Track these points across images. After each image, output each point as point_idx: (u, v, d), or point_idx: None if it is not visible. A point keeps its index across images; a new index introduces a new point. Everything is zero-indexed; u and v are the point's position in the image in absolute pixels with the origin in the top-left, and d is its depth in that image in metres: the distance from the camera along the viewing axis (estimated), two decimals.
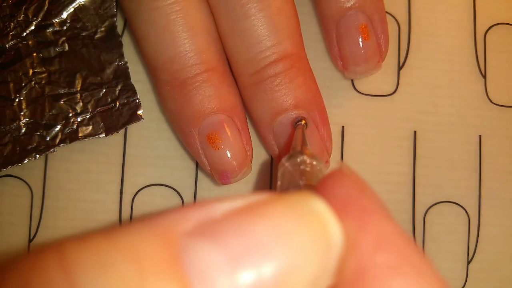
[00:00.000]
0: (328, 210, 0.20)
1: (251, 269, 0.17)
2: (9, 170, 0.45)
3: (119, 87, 0.45)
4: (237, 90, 0.44)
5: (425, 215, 0.47)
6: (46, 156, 0.46)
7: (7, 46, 0.44)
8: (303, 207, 0.19)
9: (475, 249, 0.47)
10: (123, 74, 0.45)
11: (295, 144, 0.38)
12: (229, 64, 0.44)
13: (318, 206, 0.20)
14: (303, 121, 0.42)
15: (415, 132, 0.48)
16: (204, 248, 0.18)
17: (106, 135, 0.45)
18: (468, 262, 0.47)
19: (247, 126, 0.44)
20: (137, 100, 0.45)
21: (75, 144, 0.45)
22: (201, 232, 0.18)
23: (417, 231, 0.47)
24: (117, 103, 0.45)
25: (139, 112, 0.45)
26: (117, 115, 0.45)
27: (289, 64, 0.42)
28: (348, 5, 0.43)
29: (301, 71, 0.42)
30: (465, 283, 0.47)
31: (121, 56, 0.46)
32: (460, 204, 0.48)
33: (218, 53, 0.43)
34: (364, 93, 0.48)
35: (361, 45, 0.44)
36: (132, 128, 0.47)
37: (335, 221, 0.20)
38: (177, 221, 0.18)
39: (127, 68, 0.46)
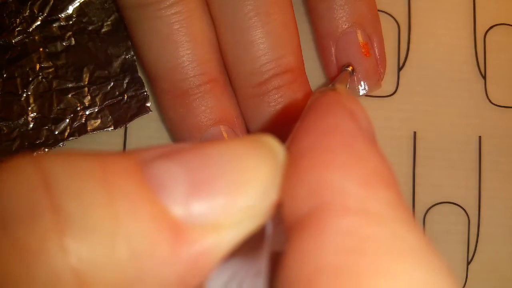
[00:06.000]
0: (273, 139, 0.24)
1: (206, 177, 0.21)
2: None
3: (126, 80, 0.49)
4: (236, 102, 0.47)
5: (425, 215, 0.50)
6: None
7: (13, 42, 0.48)
8: (253, 138, 0.23)
9: (475, 250, 0.50)
10: (130, 67, 0.49)
11: (334, 82, 0.42)
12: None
13: (266, 137, 0.24)
14: (350, 68, 0.46)
15: (415, 132, 0.51)
16: (165, 164, 0.21)
17: (115, 128, 0.48)
18: (468, 263, 0.50)
19: None
20: (145, 93, 0.48)
21: (75, 145, 0.48)
22: (164, 155, 0.21)
23: None
24: (125, 96, 0.48)
25: (147, 104, 0.48)
26: (126, 108, 0.48)
27: (293, 78, 0.45)
28: (348, 23, 0.47)
29: (303, 86, 0.46)
30: (465, 284, 0.50)
31: (128, 49, 0.49)
32: (460, 204, 0.51)
33: (219, 64, 0.46)
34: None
35: (361, 62, 0.47)
36: (132, 128, 0.50)
37: (279, 143, 0.24)
38: (145, 150, 0.22)
39: (134, 61, 0.49)
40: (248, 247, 0.23)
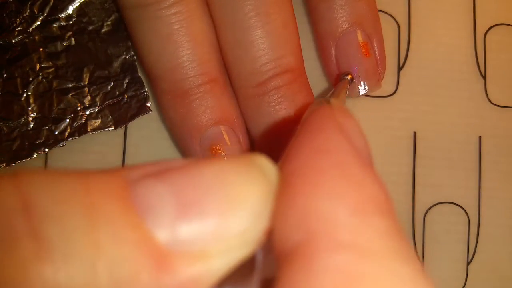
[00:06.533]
0: (266, 160, 0.23)
1: (195, 199, 0.20)
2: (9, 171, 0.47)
3: (126, 80, 0.49)
4: (236, 102, 0.47)
5: (425, 215, 0.51)
6: (46, 156, 0.49)
7: (13, 42, 0.48)
8: (245, 158, 0.22)
9: (475, 250, 0.51)
10: (130, 67, 0.49)
11: (331, 92, 0.42)
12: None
13: (258, 157, 0.22)
14: (349, 76, 0.47)
15: (415, 132, 0.52)
16: (152, 184, 0.20)
17: (115, 128, 0.48)
18: (468, 263, 0.50)
19: (247, 137, 0.47)
20: (145, 93, 0.49)
21: (75, 145, 0.48)
22: (152, 174, 0.21)
23: (417, 231, 0.50)
24: (125, 96, 0.49)
25: (148, 104, 0.49)
26: (126, 108, 0.49)
27: (293, 78, 0.45)
28: (348, 23, 0.48)
29: (303, 86, 0.46)
30: (465, 283, 0.50)
31: (128, 49, 0.49)
32: (460, 204, 0.51)
33: (219, 64, 0.46)
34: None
35: (361, 62, 0.48)
36: (132, 128, 0.50)
37: (271, 165, 0.23)
38: (131, 169, 0.21)
39: (134, 61, 0.49)
40: (238, 274, 0.23)
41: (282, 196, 0.22)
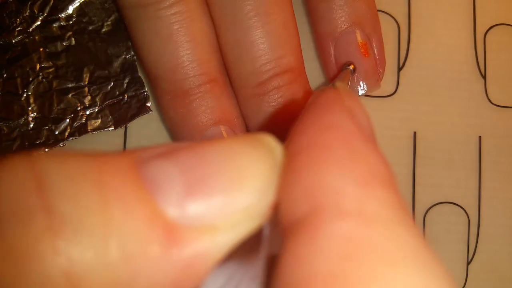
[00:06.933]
0: (271, 138, 0.24)
1: (202, 177, 0.21)
2: None
3: (126, 80, 0.49)
4: (236, 102, 0.47)
5: (425, 215, 0.51)
6: None
7: (13, 42, 0.48)
8: (251, 136, 0.23)
9: (475, 250, 0.51)
10: (130, 67, 0.49)
11: (335, 80, 0.42)
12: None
13: (264, 136, 0.23)
14: (352, 66, 0.47)
15: (415, 132, 0.52)
16: (161, 164, 0.21)
17: (115, 128, 0.48)
18: (468, 263, 0.50)
19: None
20: (145, 93, 0.49)
21: (75, 145, 0.48)
22: (161, 154, 0.21)
23: None
24: (125, 96, 0.49)
25: (148, 104, 0.49)
26: (126, 108, 0.49)
27: (293, 78, 0.45)
28: (347, 23, 0.48)
29: (303, 86, 0.47)
30: (465, 283, 0.50)
31: (128, 49, 0.49)
32: (460, 204, 0.51)
33: (219, 64, 0.46)
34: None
35: (360, 62, 0.48)
36: (132, 128, 0.50)
37: (277, 142, 0.23)
38: (141, 150, 0.22)
39: (135, 61, 0.49)
40: (245, 250, 0.23)
41: (289, 171, 0.23)
